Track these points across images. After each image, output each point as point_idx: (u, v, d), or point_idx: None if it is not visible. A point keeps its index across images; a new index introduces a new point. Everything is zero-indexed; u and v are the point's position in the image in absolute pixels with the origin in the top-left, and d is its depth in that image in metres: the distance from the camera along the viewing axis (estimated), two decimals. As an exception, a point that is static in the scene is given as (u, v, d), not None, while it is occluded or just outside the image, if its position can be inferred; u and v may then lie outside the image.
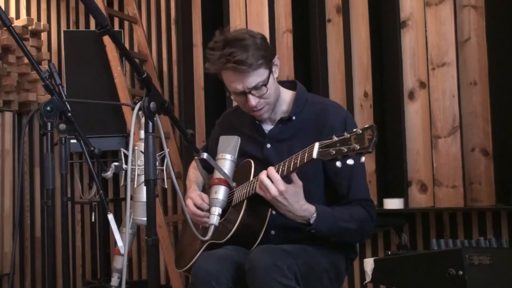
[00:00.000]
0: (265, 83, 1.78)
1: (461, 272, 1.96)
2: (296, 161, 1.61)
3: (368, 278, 2.30)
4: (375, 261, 2.29)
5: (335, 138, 1.52)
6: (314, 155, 1.54)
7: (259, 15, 3.25)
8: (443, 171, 2.77)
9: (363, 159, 1.48)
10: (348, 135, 1.49)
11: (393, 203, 2.85)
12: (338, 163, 1.50)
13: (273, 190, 1.62)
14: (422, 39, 2.86)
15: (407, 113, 2.86)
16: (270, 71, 1.81)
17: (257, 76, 1.76)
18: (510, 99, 2.70)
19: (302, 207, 1.67)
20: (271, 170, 1.65)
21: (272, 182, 1.63)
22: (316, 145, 1.55)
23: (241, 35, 1.76)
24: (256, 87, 1.77)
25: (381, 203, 2.89)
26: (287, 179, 1.64)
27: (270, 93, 1.81)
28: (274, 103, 1.87)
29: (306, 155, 1.58)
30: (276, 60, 1.85)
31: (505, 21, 2.74)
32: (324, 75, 3.10)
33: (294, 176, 1.65)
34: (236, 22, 3.30)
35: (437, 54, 2.82)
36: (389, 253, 2.38)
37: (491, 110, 2.73)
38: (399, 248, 2.87)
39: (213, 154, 1.75)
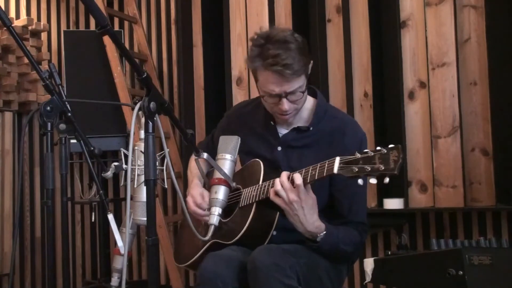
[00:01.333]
0: (303, 90, 1.75)
1: (461, 272, 1.96)
2: (314, 172, 1.59)
3: (368, 278, 2.30)
4: (375, 261, 2.29)
5: (358, 155, 1.50)
6: (335, 170, 1.52)
7: (259, 15, 3.24)
8: (443, 171, 2.77)
9: (387, 180, 1.45)
10: (372, 154, 1.47)
11: (393, 203, 2.85)
12: (360, 181, 1.48)
13: (292, 195, 1.60)
14: (422, 39, 2.86)
15: (407, 113, 2.86)
16: (307, 77, 1.78)
17: (297, 82, 1.73)
18: (510, 99, 2.70)
19: (314, 223, 1.66)
20: (297, 175, 1.62)
21: (294, 187, 1.61)
22: (337, 159, 1.53)
23: (289, 37, 1.71)
24: (293, 92, 1.74)
25: (381, 203, 2.88)
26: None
27: (303, 99, 1.79)
28: (300, 108, 1.84)
29: (325, 168, 1.56)
30: (311, 65, 1.82)
31: (505, 21, 2.74)
32: (324, 75, 3.10)
33: (309, 189, 1.64)
34: (236, 22, 3.30)
35: (437, 54, 2.82)
36: (389, 253, 2.37)
37: (491, 110, 2.73)
38: (399, 248, 2.87)
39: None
